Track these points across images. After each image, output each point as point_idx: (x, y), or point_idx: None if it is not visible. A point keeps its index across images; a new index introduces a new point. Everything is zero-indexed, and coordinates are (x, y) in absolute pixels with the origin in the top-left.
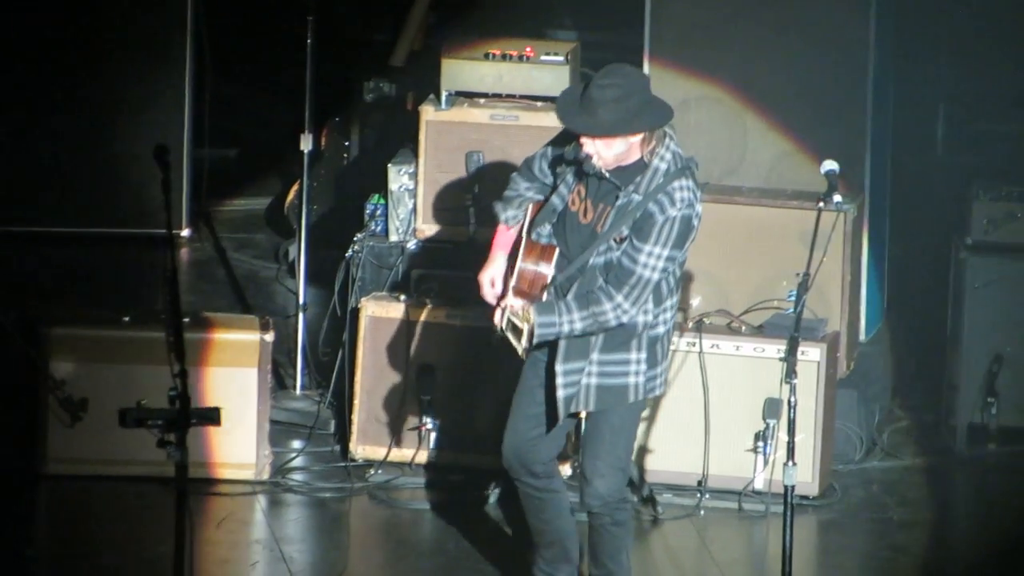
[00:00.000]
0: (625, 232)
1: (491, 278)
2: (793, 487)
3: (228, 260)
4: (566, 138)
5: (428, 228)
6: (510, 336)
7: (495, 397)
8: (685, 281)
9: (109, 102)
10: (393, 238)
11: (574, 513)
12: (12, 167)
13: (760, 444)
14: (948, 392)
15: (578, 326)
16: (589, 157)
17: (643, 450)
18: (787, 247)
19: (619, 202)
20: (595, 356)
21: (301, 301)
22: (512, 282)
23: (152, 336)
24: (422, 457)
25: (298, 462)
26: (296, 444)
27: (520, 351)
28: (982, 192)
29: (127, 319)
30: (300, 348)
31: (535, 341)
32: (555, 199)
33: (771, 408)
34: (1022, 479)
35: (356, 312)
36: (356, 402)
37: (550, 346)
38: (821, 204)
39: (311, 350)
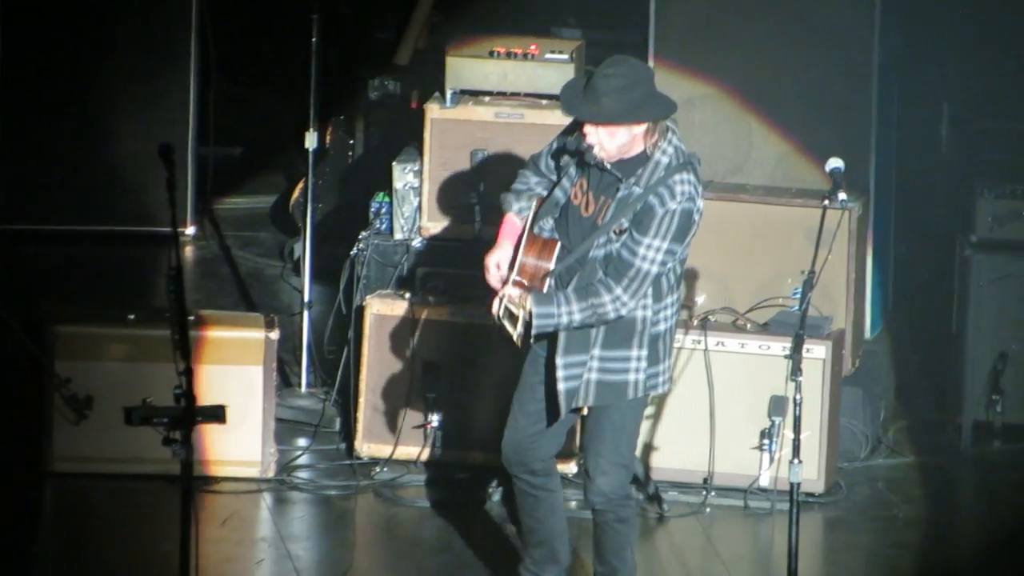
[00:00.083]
0: (625, 224)
1: (497, 261)
2: (799, 484)
3: (233, 258)
4: (571, 134)
5: (433, 226)
6: (506, 323)
7: (500, 395)
8: (690, 279)
9: (114, 100)
10: (398, 236)
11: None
12: (17, 165)
13: (765, 442)
14: (953, 390)
15: (576, 318)
16: (591, 147)
17: (649, 448)
18: (792, 245)
19: (620, 194)
20: (596, 352)
21: (306, 299)
22: (512, 275)
23: (157, 334)
24: (427, 455)
25: (303, 460)
26: (301, 442)
27: (515, 337)
28: (987, 190)
29: (132, 317)
30: (305, 346)
31: (534, 332)
32: (558, 192)
33: (776, 406)
34: None
35: (361, 310)
36: (361, 400)
37: (550, 341)
38: (826, 202)
39: (316, 348)
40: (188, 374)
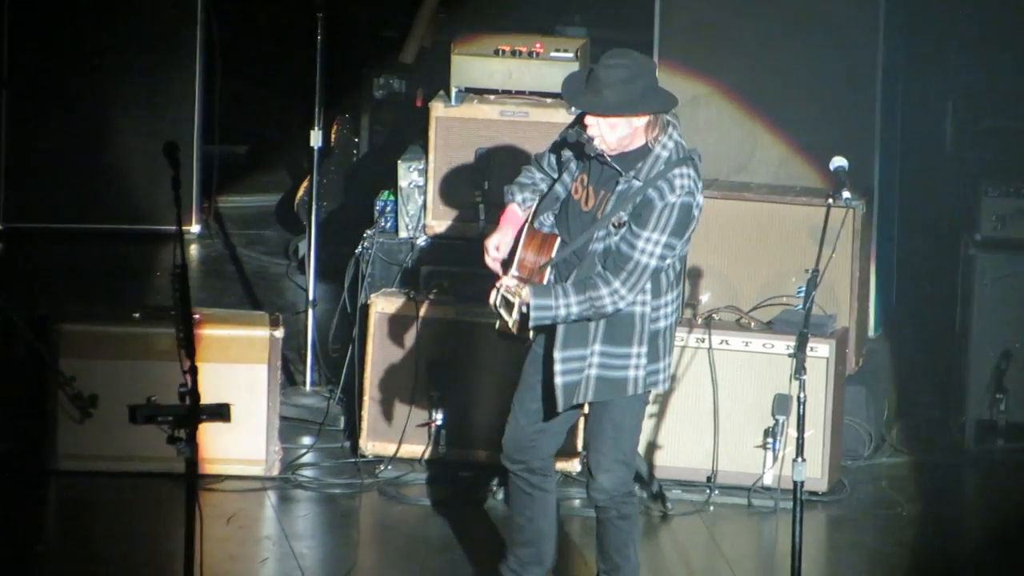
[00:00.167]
0: (624, 217)
1: (497, 244)
2: (802, 483)
3: (238, 256)
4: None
5: (438, 224)
6: (502, 312)
7: (504, 393)
8: (695, 277)
9: (119, 99)
10: (403, 234)
11: (559, 510)
12: (22, 164)
13: (769, 440)
14: (957, 388)
15: (574, 310)
16: (591, 139)
17: (652, 446)
18: (796, 243)
19: (619, 187)
20: (597, 347)
21: (311, 297)
22: (512, 271)
23: (162, 332)
24: (432, 453)
25: (308, 458)
26: (306, 440)
27: (510, 323)
28: (991, 188)
29: (137, 315)
30: (310, 344)
31: (532, 324)
32: (559, 187)
33: (780, 404)
34: None
35: (366, 308)
36: (366, 398)
37: (548, 336)
38: (830, 200)
39: (321, 346)
40: (193, 372)
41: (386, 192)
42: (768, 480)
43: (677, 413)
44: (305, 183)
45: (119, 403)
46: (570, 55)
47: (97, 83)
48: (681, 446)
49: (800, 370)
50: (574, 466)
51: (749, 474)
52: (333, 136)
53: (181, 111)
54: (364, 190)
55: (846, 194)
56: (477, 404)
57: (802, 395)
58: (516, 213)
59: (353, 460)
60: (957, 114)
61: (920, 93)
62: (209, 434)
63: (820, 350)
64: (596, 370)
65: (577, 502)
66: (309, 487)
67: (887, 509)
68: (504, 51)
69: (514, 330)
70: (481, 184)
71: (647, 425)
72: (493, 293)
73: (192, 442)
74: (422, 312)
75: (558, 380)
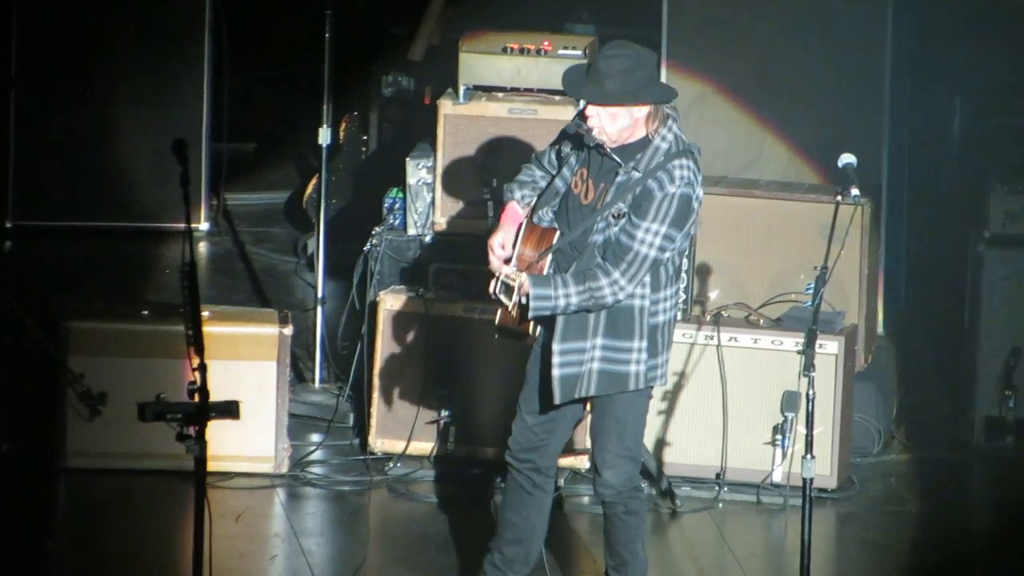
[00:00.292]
0: (623, 208)
1: (500, 242)
2: (811, 480)
3: (247, 254)
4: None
5: (446, 222)
6: (502, 298)
7: (512, 390)
8: (703, 274)
9: (127, 96)
10: (411, 232)
11: (558, 507)
12: (31, 162)
13: (778, 437)
14: (965, 385)
15: (574, 300)
16: (591, 130)
17: (661, 443)
18: (805, 240)
19: (619, 179)
20: (599, 341)
21: (319, 295)
22: (511, 264)
23: (171, 330)
24: (440, 450)
25: (317, 455)
26: (315, 437)
27: (510, 307)
28: (999, 185)
29: (146, 313)
30: (319, 342)
31: (531, 315)
32: (558, 182)
33: (789, 401)
34: None
35: (374, 306)
36: (374, 395)
37: (547, 330)
38: (839, 197)
39: (330, 343)
40: (202, 370)
41: (395, 189)
42: (777, 477)
43: (686, 410)
44: (313, 180)
45: (128, 401)
46: (578, 52)
47: (106, 81)
48: (690, 443)
49: (809, 367)
50: (582, 463)
51: (758, 471)
52: (342, 133)
53: (190, 109)
54: (372, 187)
55: (855, 191)
56: (486, 401)
57: (811, 392)
58: (516, 210)
59: (362, 457)
60: (966, 111)
61: (928, 90)
62: (218, 431)
63: (829, 347)
64: (599, 364)
65: (586, 499)
66: (318, 484)
67: (896, 506)
68: (512, 49)
69: (514, 314)
70: (489, 181)
71: (656, 422)
72: (493, 283)
73: (201, 439)
74: (430, 309)
75: (555, 372)
